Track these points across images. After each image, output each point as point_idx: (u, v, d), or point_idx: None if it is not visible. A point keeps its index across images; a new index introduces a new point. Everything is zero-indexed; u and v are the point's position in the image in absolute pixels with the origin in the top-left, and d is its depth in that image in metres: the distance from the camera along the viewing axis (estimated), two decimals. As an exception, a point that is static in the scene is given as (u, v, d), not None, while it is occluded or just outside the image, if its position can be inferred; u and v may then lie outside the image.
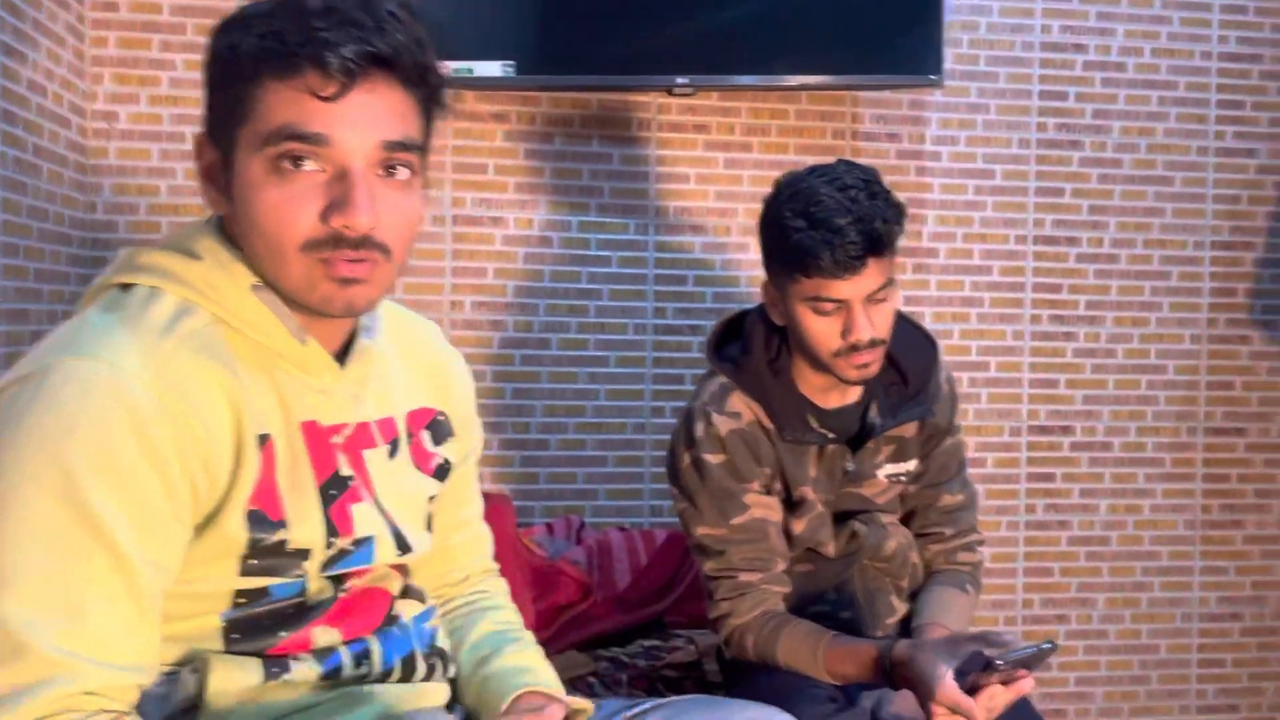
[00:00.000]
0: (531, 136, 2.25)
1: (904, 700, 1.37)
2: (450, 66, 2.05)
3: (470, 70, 2.09)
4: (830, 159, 1.47)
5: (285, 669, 0.88)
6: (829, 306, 1.36)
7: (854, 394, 1.51)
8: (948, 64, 2.25)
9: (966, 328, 2.39)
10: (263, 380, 0.88)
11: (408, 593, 1.02)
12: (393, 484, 0.97)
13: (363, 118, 0.83)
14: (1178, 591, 2.47)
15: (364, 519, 0.93)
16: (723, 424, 1.45)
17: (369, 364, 0.97)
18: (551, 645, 1.75)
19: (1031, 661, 1.19)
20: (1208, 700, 2.49)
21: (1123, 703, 2.46)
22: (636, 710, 1.05)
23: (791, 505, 1.49)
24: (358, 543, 0.92)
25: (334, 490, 0.91)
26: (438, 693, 1.02)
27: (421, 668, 0.99)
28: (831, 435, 1.47)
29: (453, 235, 2.22)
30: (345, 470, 0.92)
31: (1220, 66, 2.43)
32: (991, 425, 2.40)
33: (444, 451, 1.04)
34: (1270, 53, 2.45)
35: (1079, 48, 2.40)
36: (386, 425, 0.98)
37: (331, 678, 0.91)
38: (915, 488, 1.57)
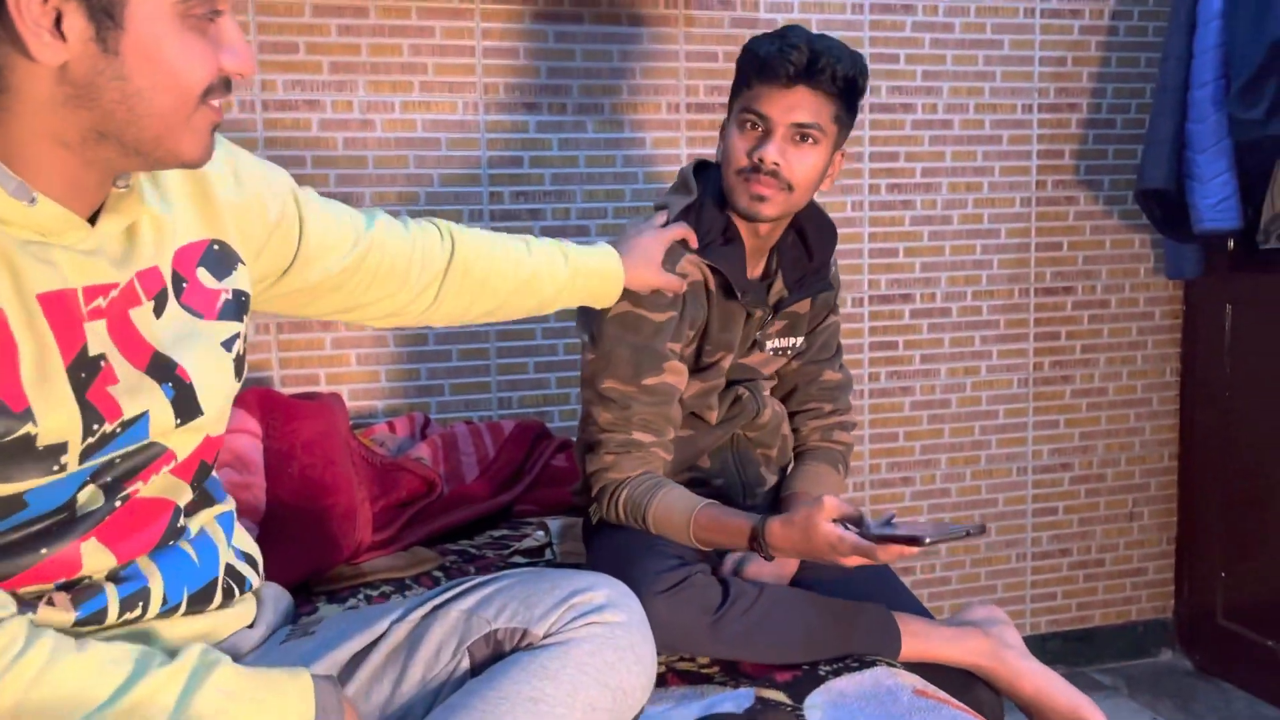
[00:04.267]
0: (344, 11, 2.08)
1: (761, 566, 1.37)
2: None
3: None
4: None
5: (33, 611, 0.79)
6: (751, 118, 1.36)
7: (760, 268, 1.50)
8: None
9: (807, 200, 2.37)
10: None
11: (200, 499, 0.94)
12: (172, 341, 0.88)
13: None
14: (1013, 447, 2.58)
15: (131, 395, 0.83)
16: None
17: (127, 213, 0.86)
18: (396, 542, 1.70)
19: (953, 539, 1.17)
20: (1042, 547, 2.63)
21: (965, 555, 2.58)
22: (452, 592, 1.00)
23: (700, 370, 1.47)
24: (126, 424, 0.83)
25: (84, 372, 0.80)
26: (238, 617, 0.96)
27: (218, 596, 0.92)
28: (764, 303, 1.48)
29: (263, 122, 2.06)
30: (96, 347, 0.82)
31: (1045, -74, 2.44)
32: (835, 297, 2.42)
33: (233, 284, 0.95)
34: (1092, -88, 2.47)
35: (909, -92, 2.36)
36: (150, 276, 0.87)
37: (92, 623, 0.82)
38: (798, 364, 1.58)
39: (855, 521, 1.18)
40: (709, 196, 1.44)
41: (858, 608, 1.33)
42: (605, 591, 0.98)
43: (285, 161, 2.07)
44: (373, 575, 1.56)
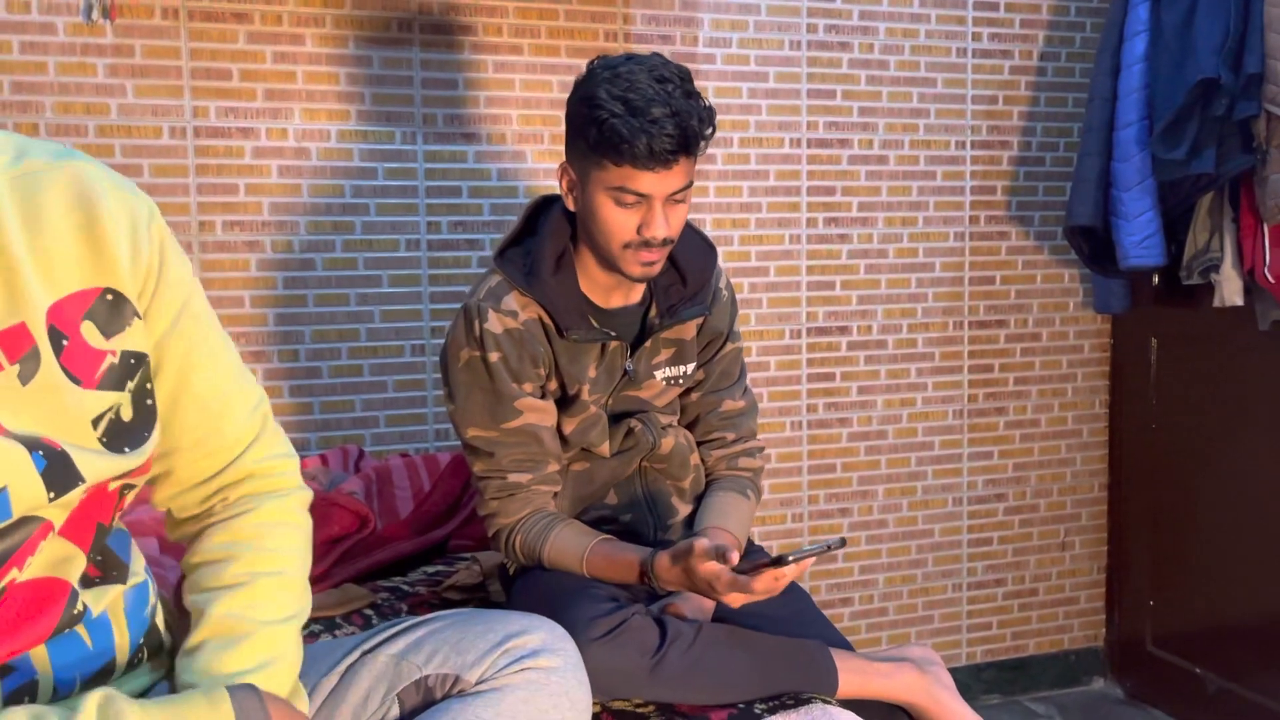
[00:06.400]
0: (279, 38, 2.06)
1: (684, 602, 1.36)
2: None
3: (201, -39, 1.88)
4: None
5: None
6: (631, 199, 1.33)
7: (635, 295, 1.49)
8: (717, -38, 2.20)
9: (746, 233, 2.39)
10: None
11: (103, 570, 0.84)
12: (38, 412, 0.76)
13: None
14: (949, 478, 2.61)
15: None
16: (498, 322, 1.40)
17: None
18: (327, 580, 1.66)
19: (821, 556, 1.21)
20: (978, 577, 2.66)
21: (902, 586, 2.59)
22: (382, 636, 0.98)
23: (566, 403, 1.46)
24: None
25: None
26: (148, 674, 0.90)
27: (118, 670, 0.85)
28: (613, 334, 1.44)
29: (195, 149, 2.02)
30: None
31: (976, -31, 2.51)
32: (773, 329, 2.43)
33: (124, 344, 0.82)
34: (1021, -44, 2.54)
35: (845, -52, 2.41)
36: (14, 336, 0.75)
37: None
38: (698, 395, 1.57)
39: (727, 556, 1.23)
40: (545, 233, 1.43)
41: (796, 645, 1.33)
42: (540, 635, 0.96)
43: (217, 189, 2.03)
44: (302, 614, 1.52)
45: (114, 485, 0.82)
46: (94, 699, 0.75)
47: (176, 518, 0.95)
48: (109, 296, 0.81)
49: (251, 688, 0.81)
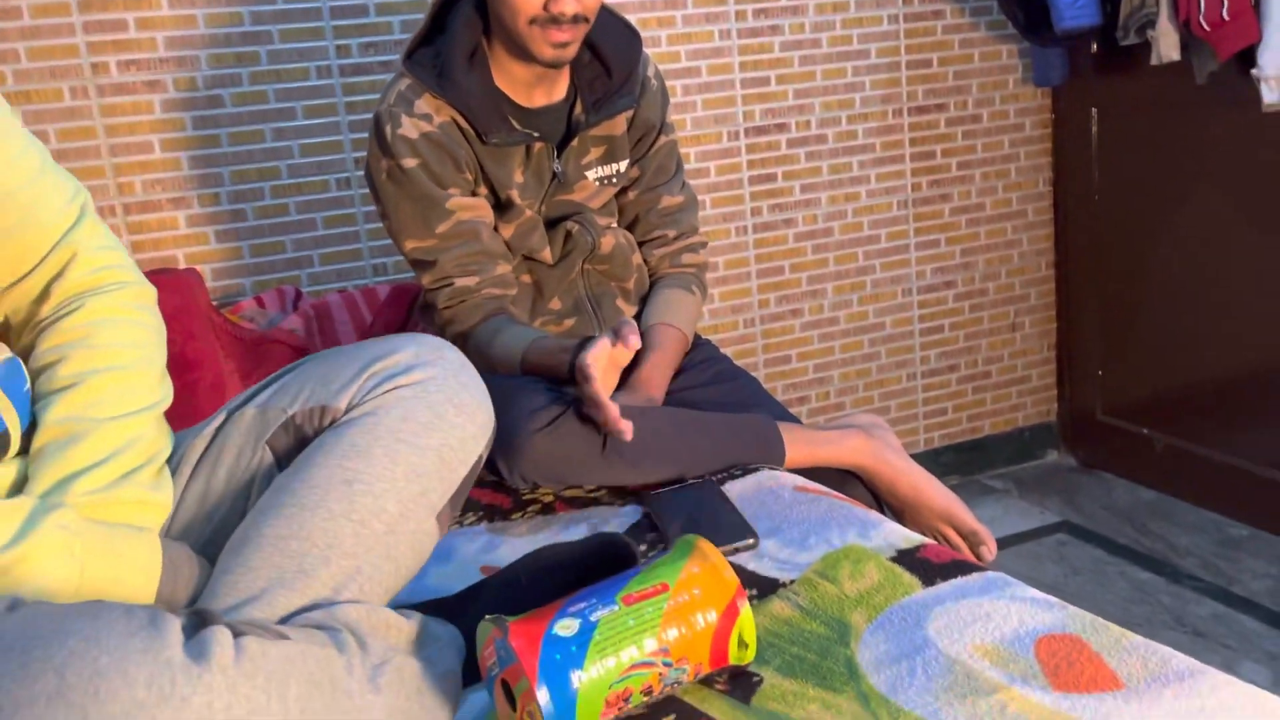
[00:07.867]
0: None
1: (630, 394, 1.36)
2: None
3: None
4: None
5: None
6: None
7: (559, 92, 1.43)
8: None
9: (673, 32, 2.30)
10: None
11: None
12: None
13: None
14: (897, 269, 2.61)
15: None
16: (412, 127, 1.34)
17: None
18: (273, 415, 1.64)
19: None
20: (930, 364, 2.69)
21: (857, 380, 2.62)
22: (248, 393, 0.93)
23: (500, 209, 1.42)
24: None
25: None
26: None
27: (15, 446, 0.83)
28: (536, 135, 1.39)
29: (74, -17, 1.88)
30: None
31: None
32: (710, 132, 2.37)
33: None
34: None
35: None
36: None
37: None
38: (635, 193, 1.53)
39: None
40: (455, 28, 1.35)
41: (742, 420, 1.33)
42: (409, 351, 0.90)
43: (105, 26, 1.90)
44: (250, 447, 1.51)
45: None
46: (34, 497, 0.78)
47: (12, 323, 0.92)
48: None
49: (183, 545, 0.84)
